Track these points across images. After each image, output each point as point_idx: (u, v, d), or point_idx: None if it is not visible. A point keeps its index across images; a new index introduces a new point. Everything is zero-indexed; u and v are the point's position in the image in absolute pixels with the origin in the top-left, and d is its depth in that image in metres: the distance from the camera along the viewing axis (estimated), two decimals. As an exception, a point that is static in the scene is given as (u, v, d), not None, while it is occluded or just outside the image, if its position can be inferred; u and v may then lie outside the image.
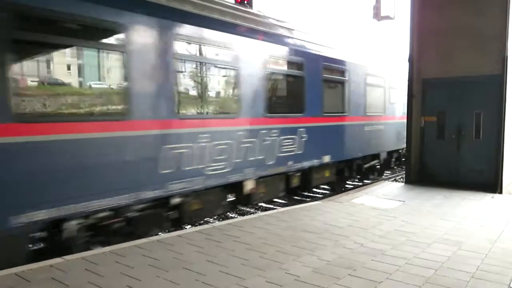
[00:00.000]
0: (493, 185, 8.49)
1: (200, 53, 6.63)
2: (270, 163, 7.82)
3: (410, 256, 4.60)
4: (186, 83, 6.53)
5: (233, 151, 7.00)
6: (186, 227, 7.66)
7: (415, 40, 9.51)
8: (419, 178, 9.63)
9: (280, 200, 9.90)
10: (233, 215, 8.64)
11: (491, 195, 8.18)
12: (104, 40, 5.42)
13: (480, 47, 8.62)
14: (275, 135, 7.91)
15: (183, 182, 6.18)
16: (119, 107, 5.40)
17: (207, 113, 6.74)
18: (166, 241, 5.23)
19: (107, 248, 4.94)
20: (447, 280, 3.93)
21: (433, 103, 9.40)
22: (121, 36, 5.39)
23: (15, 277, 3.96)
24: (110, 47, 5.49)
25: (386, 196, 8.24)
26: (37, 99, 4.72)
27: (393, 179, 12.69)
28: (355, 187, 11.28)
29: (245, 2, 14.66)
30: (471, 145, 8.94)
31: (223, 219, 8.23)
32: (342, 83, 10.12)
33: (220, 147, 6.77)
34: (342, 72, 10.07)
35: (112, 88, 5.56)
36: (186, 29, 6.29)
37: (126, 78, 5.44)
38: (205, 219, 7.99)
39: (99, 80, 5.54)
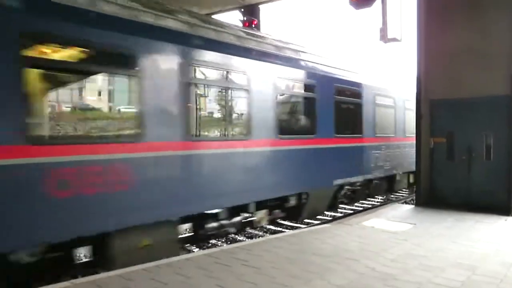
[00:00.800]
0: (506, 208, 8.33)
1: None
2: (405, 165, 13.23)
3: (423, 281, 4.50)
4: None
5: (392, 156, 12.43)
6: (194, 250, 7.60)
7: (422, 61, 9.54)
8: (429, 200, 9.49)
9: (287, 223, 9.82)
10: (241, 238, 8.55)
11: (504, 217, 8.01)
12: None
13: (487, 67, 8.60)
14: (408, 147, 13.16)
15: (377, 172, 11.75)
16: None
17: (381, 133, 11.98)
18: (175, 264, 5.19)
19: (115, 272, 4.91)
20: (462, 306, 3.82)
21: (441, 124, 9.35)
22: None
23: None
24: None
25: (396, 218, 8.12)
26: None
27: (403, 201, 12.53)
28: (365, 209, 11.15)
29: (253, 25, 14.90)
30: (482, 167, 8.82)
31: (231, 242, 8.15)
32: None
33: (388, 153, 12.25)
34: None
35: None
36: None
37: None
38: (213, 241, 8.09)
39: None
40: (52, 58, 4.95)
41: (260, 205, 8.17)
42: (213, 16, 14.63)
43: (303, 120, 9.19)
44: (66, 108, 5.61)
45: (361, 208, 11.57)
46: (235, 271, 4.91)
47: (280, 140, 8.16)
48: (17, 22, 4.41)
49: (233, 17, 15.29)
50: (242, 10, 14.73)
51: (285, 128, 8.39)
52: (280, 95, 8.39)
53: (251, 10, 14.57)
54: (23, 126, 4.49)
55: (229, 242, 8.15)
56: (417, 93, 9.67)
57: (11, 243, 4.47)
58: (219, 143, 6.93)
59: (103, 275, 4.83)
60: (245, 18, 14.53)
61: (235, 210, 7.58)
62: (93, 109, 5.86)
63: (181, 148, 6.20)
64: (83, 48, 5.14)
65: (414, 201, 10.14)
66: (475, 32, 8.76)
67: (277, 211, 8.81)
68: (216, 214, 7.22)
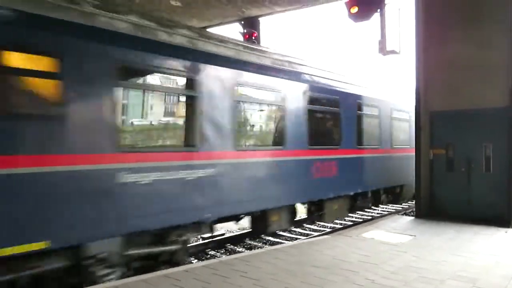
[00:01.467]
0: (506, 220, 8.29)
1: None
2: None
3: (423, 293, 4.46)
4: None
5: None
6: (193, 261, 7.55)
7: (421, 73, 9.58)
8: (429, 212, 9.44)
9: (287, 234, 9.77)
10: (240, 249, 8.50)
11: (504, 229, 7.97)
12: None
13: (487, 79, 8.61)
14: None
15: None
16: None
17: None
18: (173, 276, 5.15)
19: (113, 283, 4.88)
20: (462, 319, 3.78)
21: (441, 135, 9.35)
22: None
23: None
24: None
25: (396, 230, 8.08)
26: None
27: (403, 212, 12.49)
28: (365, 220, 11.11)
29: (253, 37, 15.01)
30: (482, 179, 8.79)
31: (230, 254, 8.10)
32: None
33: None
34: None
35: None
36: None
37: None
38: (212, 253, 8.05)
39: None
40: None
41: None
42: (213, 29, 14.76)
43: (402, 135, 13.34)
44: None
45: (361, 220, 11.54)
46: (233, 282, 4.87)
47: (392, 149, 12.53)
48: None
49: (233, 30, 15.36)
50: (242, 22, 14.83)
51: (394, 140, 12.80)
52: (392, 119, 12.79)
53: (251, 22, 14.65)
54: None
55: (228, 254, 8.10)
56: (416, 105, 9.69)
57: (292, 200, 8.91)
58: (370, 150, 11.31)
59: (101, 285, 4.79)
60: (245, 31, 14.62)
61: (373, 193, 12.11)
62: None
63: (353, 153, 10.34)
64: None
65: (414, 212, 10.10)
66: (474, 44, 8.79)
67: (389, 195, 13.40)
68: (366, 194, 11.64)
